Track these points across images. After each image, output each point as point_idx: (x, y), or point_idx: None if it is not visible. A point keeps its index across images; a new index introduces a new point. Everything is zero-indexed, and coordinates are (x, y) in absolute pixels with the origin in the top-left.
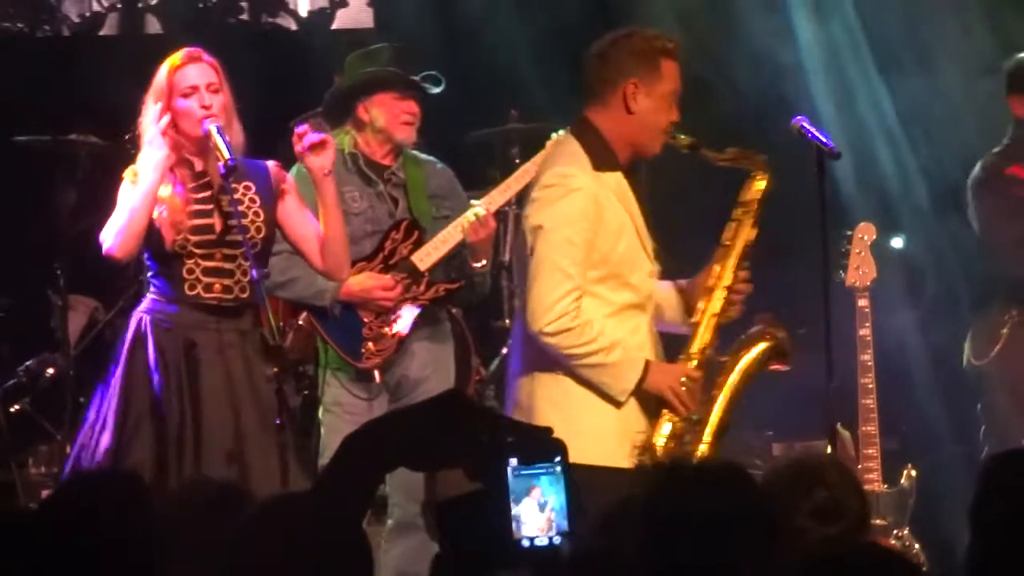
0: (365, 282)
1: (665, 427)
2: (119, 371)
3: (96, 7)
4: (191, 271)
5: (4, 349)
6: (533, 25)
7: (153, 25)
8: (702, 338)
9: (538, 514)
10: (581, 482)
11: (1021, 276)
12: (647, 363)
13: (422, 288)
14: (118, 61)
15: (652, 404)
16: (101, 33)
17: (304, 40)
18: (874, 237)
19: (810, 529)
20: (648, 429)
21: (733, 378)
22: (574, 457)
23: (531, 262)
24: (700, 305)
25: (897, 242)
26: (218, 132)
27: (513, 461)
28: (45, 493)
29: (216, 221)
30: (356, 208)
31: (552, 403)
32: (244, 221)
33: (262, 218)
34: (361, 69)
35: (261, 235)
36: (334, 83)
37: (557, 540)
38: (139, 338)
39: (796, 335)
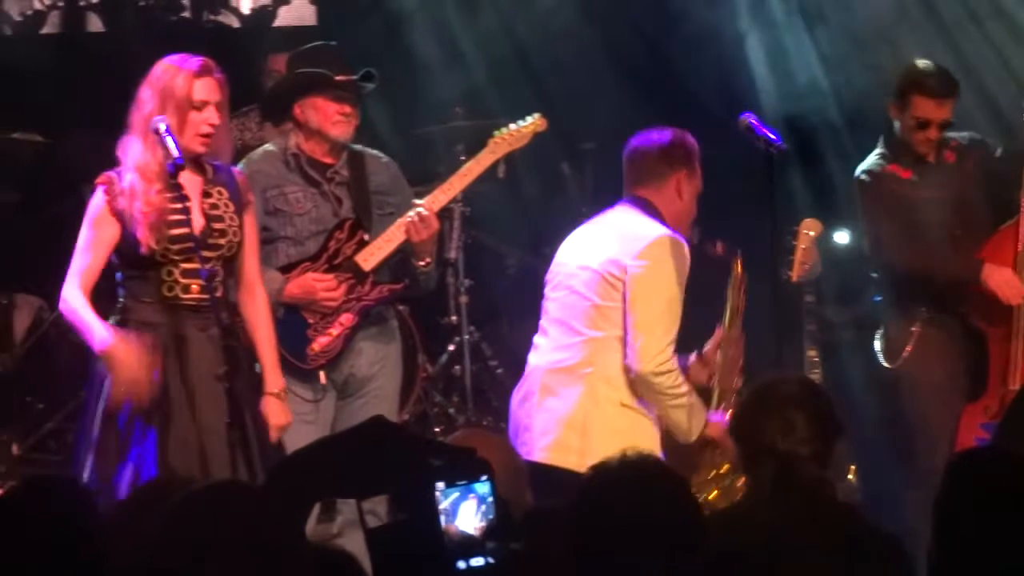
0: (308, 283)
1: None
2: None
3: (38, 5)
4: (170, 273)
5: None
6: (477, 22)
7: (95, 23)
8: (724, 397)
9: (473, 513)
10: None
11: (901, 270)
12: (709, 415)
13: (366, 288)
14: (60, 60)
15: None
16: (43, 31)
17: (246, 38)
18: (820, 233)
19: (763, 444)
20: None
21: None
22: None
23: (643, 309)
24: (719, 377)
25: (842, 237)
26: (167, 131)
27: (440, 484)
28: None
29: (194, 229)
30: (300, 209)
31: (613, 431)
32: (222, 225)
33: (237, 223)
34: (297, 69)
35: (237, 239)
36: (261, 80)
37: (492, 560)
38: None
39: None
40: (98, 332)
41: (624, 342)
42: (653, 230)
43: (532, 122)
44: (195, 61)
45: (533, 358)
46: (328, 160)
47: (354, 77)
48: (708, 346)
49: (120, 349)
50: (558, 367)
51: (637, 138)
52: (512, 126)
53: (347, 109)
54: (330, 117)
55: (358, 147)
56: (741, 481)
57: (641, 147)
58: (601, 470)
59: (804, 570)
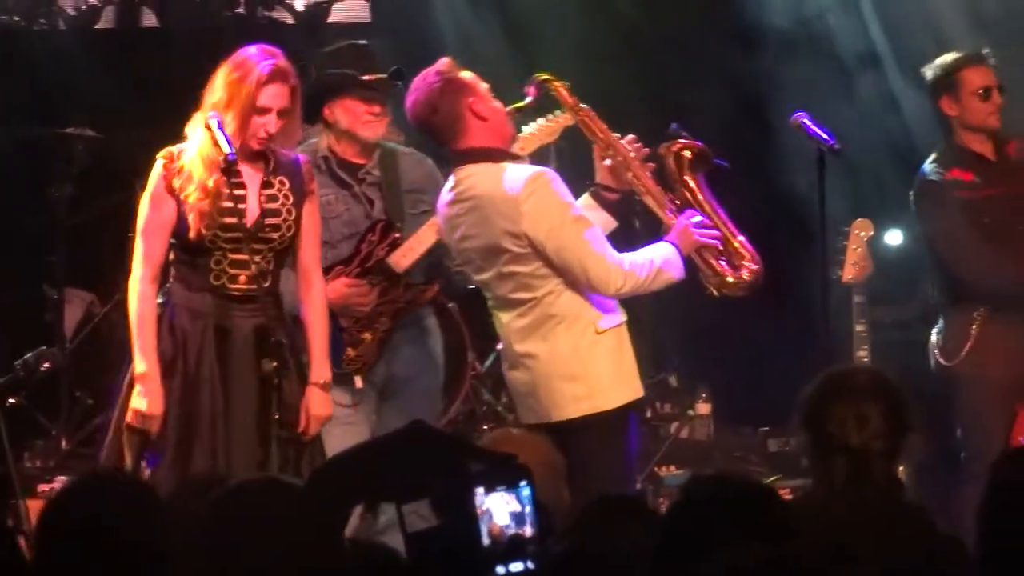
0: (341, 289)
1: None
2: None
3: (93, 1)
4: (218, 262)
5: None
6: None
7: (149, 19)
8: (658, 198)
9: (513, 518)
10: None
11: (973, 281)
12: (668, 240)
13: (400, 291)
14: (114, 55)
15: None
16: (97, 27)
17: (300, 34)
18: (871, 233)
19: (836, 436)
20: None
21: (693, 195)
22: (629, 397)
23: (567, 254)
24: (635, 183)
25: (894, 237)
26: (218, 127)
27: (480, 489)
28: (41, 487)
29: (246, 219)
30: (332, 212)
31: (604, 358)
32: (276, 220)
33: (293, 216)
34: (324, 71)
35: (291, 233)
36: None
37: (531, 565)
38: (166, 327)
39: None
40: (145, 357)
41: (572, 285)
42: (510, 182)
43: (557, 117)
44: (268, 65)
45: (499, 328)
46: (360, 160)
47: (383, 76)
48: (597, 173)
49: (153, 387)
50: (527, 330)
51: (408, 105)
52: (541, 121)
53: (376, 109)
54: (360, 118)
55: (392, 145)
56: (736, 244)
57: (416, 111)
58: (695, 483)
59: (874, 568)
